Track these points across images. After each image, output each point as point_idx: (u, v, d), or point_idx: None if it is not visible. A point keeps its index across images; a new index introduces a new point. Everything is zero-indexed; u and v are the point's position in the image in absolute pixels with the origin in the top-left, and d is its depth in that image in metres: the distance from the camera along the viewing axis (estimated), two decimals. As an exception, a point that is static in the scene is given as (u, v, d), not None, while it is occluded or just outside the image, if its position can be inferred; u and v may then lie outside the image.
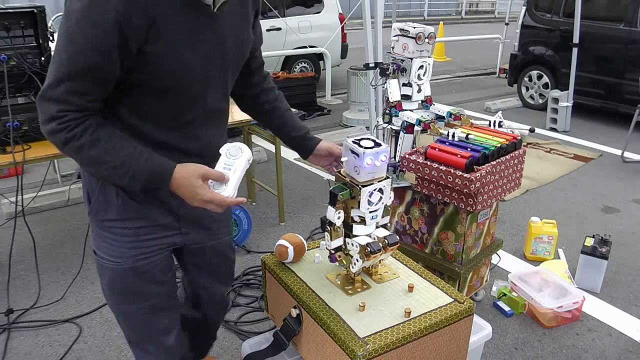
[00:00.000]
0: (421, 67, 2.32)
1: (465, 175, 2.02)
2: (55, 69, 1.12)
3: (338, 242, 1.53)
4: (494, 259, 2.91)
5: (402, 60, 2.33)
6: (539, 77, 6.53)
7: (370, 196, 1.44)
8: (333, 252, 1.54)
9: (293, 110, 3.57)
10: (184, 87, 1.24)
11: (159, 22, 1.12)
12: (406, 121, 2.35)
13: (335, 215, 1.46)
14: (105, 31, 1.07)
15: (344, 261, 1.54)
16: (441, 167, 2.10)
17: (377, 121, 2.56)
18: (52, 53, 1.15)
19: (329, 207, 1.46)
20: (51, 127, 1.14)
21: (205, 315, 1.78)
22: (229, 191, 1.23)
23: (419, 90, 2.37)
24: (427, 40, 2.31)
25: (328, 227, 1.50)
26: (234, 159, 1.26)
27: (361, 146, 1.40)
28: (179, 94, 1.24)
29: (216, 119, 1.40)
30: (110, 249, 1.38)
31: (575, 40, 5.42)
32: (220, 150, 1.28)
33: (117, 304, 1.49)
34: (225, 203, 1.21)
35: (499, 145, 2.19)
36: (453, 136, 2.23)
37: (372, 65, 3.53)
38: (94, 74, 1.11)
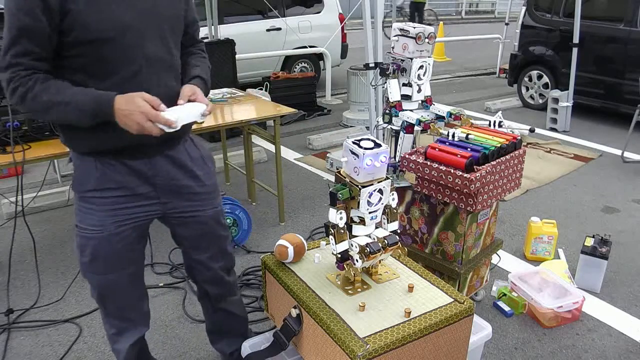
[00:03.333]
0: (421, 67, 2.32)
1: (465, 175, 2.02)
2: (3, 44, 1.33)
3: (344, 245, 1.50)
4: (494, 259, 2.91)
5: (402, 60, 2.33)
6: (539, 77, 6.53)
7: (369, 197, 1.44)
8: (339, 256, 1.52)
9: (293, 110, 3.56)
10: (117, 37, 1.37)
11: None
12: (406, 121, 2.35)
13: (337, 216, 1.45)
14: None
15: (351, 271, 1.52)
16: (441, 167, 2.10)
17: (377, 121, 2.56)
18: None
19: (330, 208, 1.46)
20: (10, 89, 1.34)
21: (206, 291, 1.90)
22: (168, 114, 1.37)
23: (419, 90, 2.37)
24: (427, 40, 2.31)
25: (331, 229, 1.49)
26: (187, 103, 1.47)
27: (361, 147, 1.40)
28: (116, 43, 1.37)
29: (164, 71, 1.49)
30: (92, 219, 1.52)
31: (575, 40, 5.42)
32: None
33: (100, 276, 1.60)
34: (158, 118, 1.34)
35: (499, 145, 2.19)
36: (453, 136, 2.23)
37: (372, 65, 3.52)
38: (28, 34, 1.31)
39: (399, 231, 1.58)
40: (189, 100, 1.49)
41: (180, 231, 1.72)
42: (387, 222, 1.55)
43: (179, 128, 1.40)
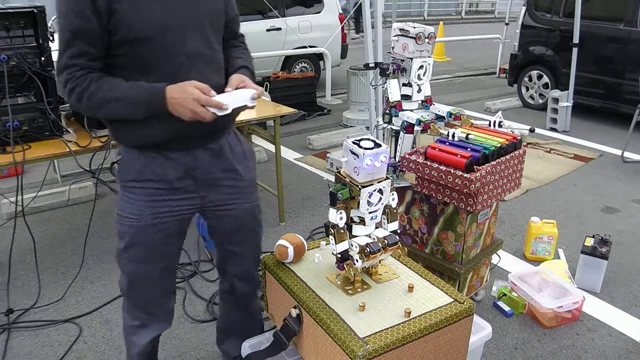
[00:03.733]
0: (421, 67, 2.32)
1: (465, 175, 2.02)
2: (59, 45, 1.40)
3: (344, 245, 1.49)
4: (494, 259, 2.91)
5: (402, 60, 2.33)
6: (539, 77, 6.53)
7: (369, 197, 1.44)
8: (339, 256, 1.51)
9: (293, 110, 3.55)
10: (157, 36, 1.41)
11: None
12: (406, 121, 2.35)
13: (337, 216, 1.45)
14: (79, 1, 1.34)
15: (351, 271, 1.52)
16: (441, 167, 2.10)
17: (377, 121, 2.56)
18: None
19: (330, 209, 1.46)
20: (68, 90, 1.41)
21: (234, 287, 1.91)
22: (217, 97, 1.41)
23: (419, 90, 2.37)
24: (427, 40, 2.31)
25: (331, 229, 1.48)
26: (237, 90, 1.50)
27: (361, 147, 1.40)
28: (155, 42, 1.42)
29: (206, 65, 1.53)
30: (132, 208, 1.58)
31: (575, 40, 5.42)
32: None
33: (133, 264, 1.65)
34: (209, 102, 1.39)
35: (499, 145, 2.19)
36: (453, 136, 2.23)
37: (372, 65, 3.53)
38: (81, 35, 1.37)
39: (399, 231, 1.58)
40: (237, 88, 1.52)
41: (216, 224, 1.76)
42: (387, 222, 1.55)
43: (230, 111, 1.43)
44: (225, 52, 1.67)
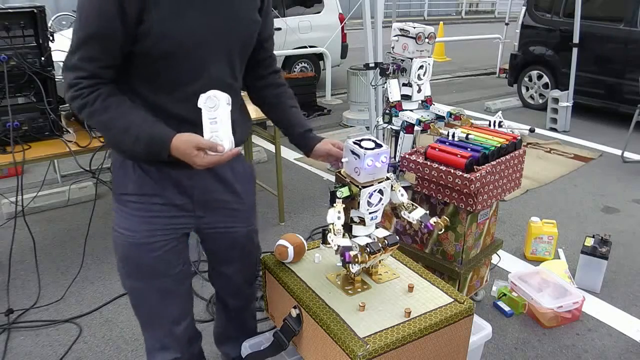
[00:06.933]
0: (421, 67, 2.32)
1: (465, 175, 2.02)
2: (72, 41, 1.25)
3: (344, 241, 1.44)
4: (494, 259, 2.91)
5: (402, 60, 2.33)
6: (539, 77, 6.53)
7: (370, 197, 1.44)
8: (338, 247, 1.42)
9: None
10: (183, 54, 1.30)
11: None
12: (406, 121, 2.35)
13: (336, 215, 1.44)
14: (106, 1, 1.18)
15: (358, 257, 1.43)
16: (441, 167, 2.10)
17: (377, 121, 2.56)
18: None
19: (330, 209, 1.45)
20: (70, 95, 1.28)
21: (227, 304, 1.87)
22: (226, 144, 1.29)
23: (419, 90, 2.37)
24: (427, 40, 2.31)
25: (329, 228, 1.46)
26: (214, 110, 1.29)
27: (362, 147, 1.40)
28: (181, 61, 1.31)
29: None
30: (126, 223, 1.47)
31: (575, 40, 5.42)
32: (199, 105, 1.28)
33: (129, 279, 1.55)
34: (222, 158, 1.28)
35: (499, 145, 2.19)
36: (453, 136, 2.23)
37: (372, 65, 3.53)
38: (100, 41, 1.23)
39: (424, 217, 1.54)
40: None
41: (210, 245, 1.69)
42: (409, 213, 1.54)
43: (233, 146, 1.33)
44: (270, 91, 1.61)
